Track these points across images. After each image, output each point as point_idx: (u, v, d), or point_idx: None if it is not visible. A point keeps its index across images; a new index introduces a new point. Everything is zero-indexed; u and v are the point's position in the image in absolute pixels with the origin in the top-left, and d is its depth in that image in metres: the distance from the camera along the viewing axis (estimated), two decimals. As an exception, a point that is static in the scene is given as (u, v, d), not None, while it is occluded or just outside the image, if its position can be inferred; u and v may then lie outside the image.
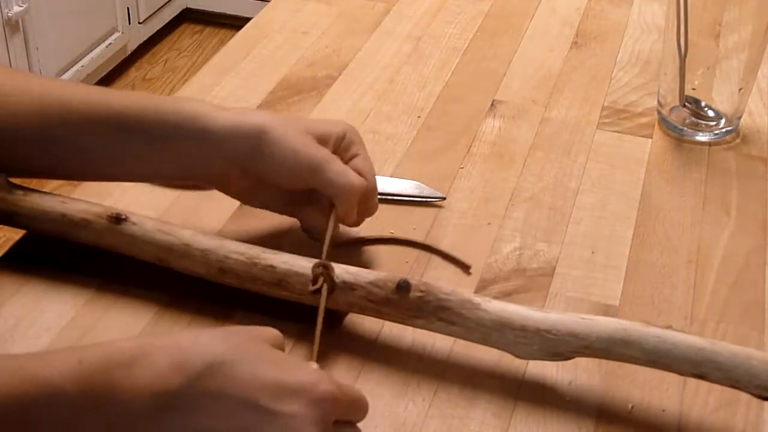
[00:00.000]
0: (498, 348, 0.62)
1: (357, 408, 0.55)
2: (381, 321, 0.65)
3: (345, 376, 0.63)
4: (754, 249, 0.76)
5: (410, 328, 0.64)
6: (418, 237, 0.75)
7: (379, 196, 0.71)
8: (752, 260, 0.74)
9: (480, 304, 0.62)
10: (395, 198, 0.78)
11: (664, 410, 0.62)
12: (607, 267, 0.73)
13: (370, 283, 0.64)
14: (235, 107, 0.73)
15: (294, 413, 0.50)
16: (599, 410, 0.62)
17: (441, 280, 0.71)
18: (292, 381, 0.51)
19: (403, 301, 0.63)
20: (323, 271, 0.63)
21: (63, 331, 0.66)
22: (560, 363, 0.63)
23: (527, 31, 1.05)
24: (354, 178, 0.68)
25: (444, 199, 0.79)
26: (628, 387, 0.63)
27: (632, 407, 0.62)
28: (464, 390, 0.63)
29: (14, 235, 0.73)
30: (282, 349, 0.56)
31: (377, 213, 0.72)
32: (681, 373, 0.59)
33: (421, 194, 0.79)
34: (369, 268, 0.65)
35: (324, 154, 0.68)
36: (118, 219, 0.68)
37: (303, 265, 0.65)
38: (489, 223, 0.77)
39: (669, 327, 0.59)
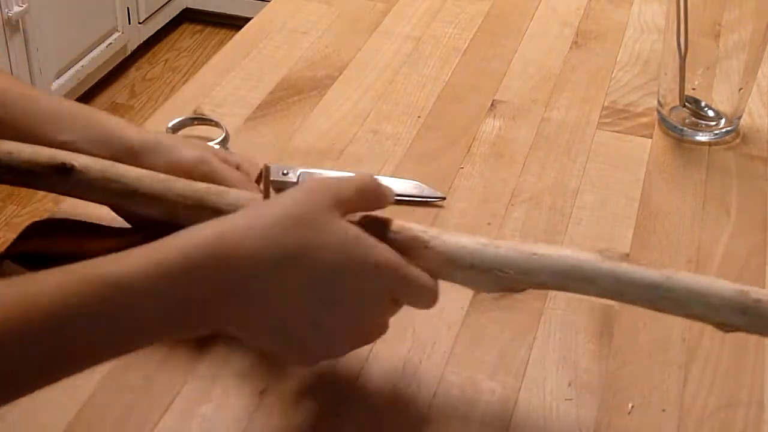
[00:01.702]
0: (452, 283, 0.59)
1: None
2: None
3: (344, 378, 0.63)
4: (754, 249, 0.76)
5: (409, 330, 0.64)
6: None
7: None
8: (752, 260, 0.74)
9: (429, 242, 0.58)
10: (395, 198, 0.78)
11: (664, 410, 0.62)
12: (607, 267, 0.73)
13: None
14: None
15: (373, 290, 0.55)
16: (599, 410, 0.62)
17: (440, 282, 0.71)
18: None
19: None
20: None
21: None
22: (561, 363, 0.63)
23: (527, 31, 1.05)
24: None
25: (444, 199, 0.79)
26: (628, 387, 0.62)
27: (632, 407, 0.62)
28: (464, 390, 0.63)
29: (14, 235, 0.73)
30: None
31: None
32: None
33: (421, 194, 0.79)
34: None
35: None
36: (64, 169, 0.67)
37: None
38: (489, 223, 0.77)
39: (626, 256, 0.56)
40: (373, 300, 0.56)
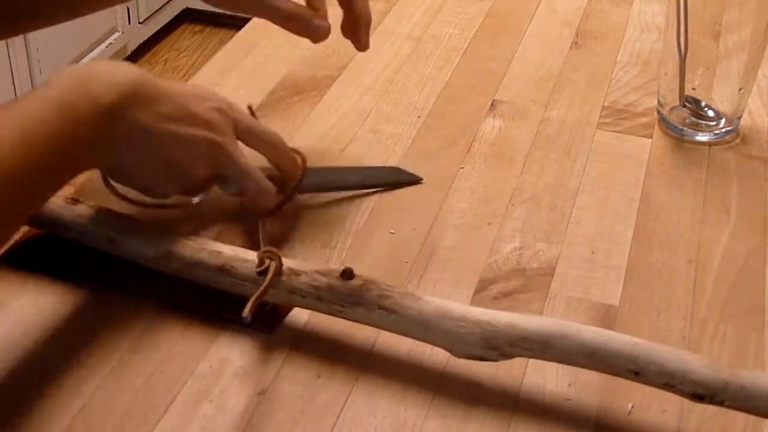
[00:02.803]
0: (435, 342, 0.62)
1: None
2: (377, 331, 0.65)
3: (343, 379, 0.63)
4: (754, 249, 0.76)
5: (407, 339, 0.64)
6: (418, 237, 0.75)
7: (354, 188, 0.79)
8: (752, 260, 0.74)
9: (421, 297, 0.63)
10: (371, 187, 0.80)
11: (664, 411, 0.62)
12: (607, 267, 0.73)
13: (315, 270, 0.64)
14: None
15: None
16: (599, 411, 0.62)
17: (440, 282, 0.71)
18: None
19: (345, 287, 0.63)
20: (270, 253, 0.65)
21: (62, 331, 0.66)
22: (560, 365, 0.63)
23: (527, 31, 1.05)
24: (280, 5, 0.76)
25: (421, 180, 0.81)
26: (629, 388, 0.62)
27: (632, 408, 0.62)
28: (464, 392, 0.63)
29: (14, 235, 0.73)
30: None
31: (373, 209, 0.72)
32: (618, 372, 0.59)
33: (397, 180, 0.81)
34: (367, 267, 0.65)
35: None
36: (75, 201, 0.71)
37: (250, 252, 0.66)
38: (489, 223, 0.77)
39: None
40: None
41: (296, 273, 0.64)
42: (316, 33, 0.76)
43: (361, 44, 0.79)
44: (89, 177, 0.75)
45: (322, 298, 0.63)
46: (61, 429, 0.59)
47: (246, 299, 0.62)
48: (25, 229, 0.73)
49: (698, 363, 0.58)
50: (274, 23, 0.76)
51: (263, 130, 0.73)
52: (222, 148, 0.68)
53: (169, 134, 0.66)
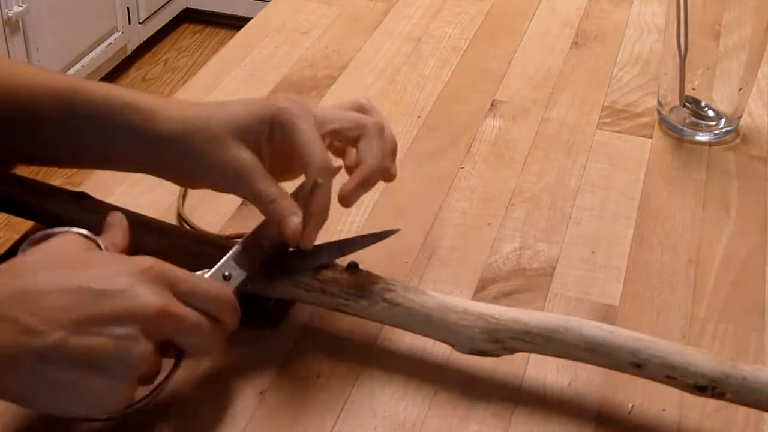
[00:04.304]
0: (438, 336, 0.62)
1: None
2: (378, 327, 0.65)
3: (343, 379, 0.63)
4: (754, 249, 0.76)
5: (407, 337, 0.64)
6: (418, 237, 0.75)
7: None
8: (752, 260, 0.74)
9: (425, 291, 0.63)
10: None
11: (664, 410, 0.62)
12: (607, 267, 0.73)
13: (321, 263, 0.64)
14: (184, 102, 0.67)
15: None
16: (599, 410, 0.62)
17: (440, 281, 0.71)
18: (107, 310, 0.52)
19: (350, 280, 0.63)
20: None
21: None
22: (561, 363, 0.63)
23: (527, 31, 1.05)
24: (262, 191, 0.62)
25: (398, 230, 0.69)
26: (629, 387, 0.62)
27: (632, 407, 0.62)
28: (464, 390, 0.63)
29: (14, 235, 0.73)
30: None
31: (374, 209, 0.71)
32: (619, 366, 0.59)
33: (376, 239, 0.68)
34: (367, 268, 0.65)
35: (242, 164, 0.62)
36: (81, 196, 0.70)
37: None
38: (489, 223, 0.77)
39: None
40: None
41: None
42: (287, 231, 0.62)
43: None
44: (90, 174, 0.75)
45: (326, 291, 0.63)
46: (61, 428, 0.59)
47: (246, 299, 0.62)
48: (29, 224, 0.73)
49: (700, 356, 0.58)
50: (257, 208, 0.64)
51: (208, 290, 0.57)
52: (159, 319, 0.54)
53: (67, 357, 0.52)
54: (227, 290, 0.59)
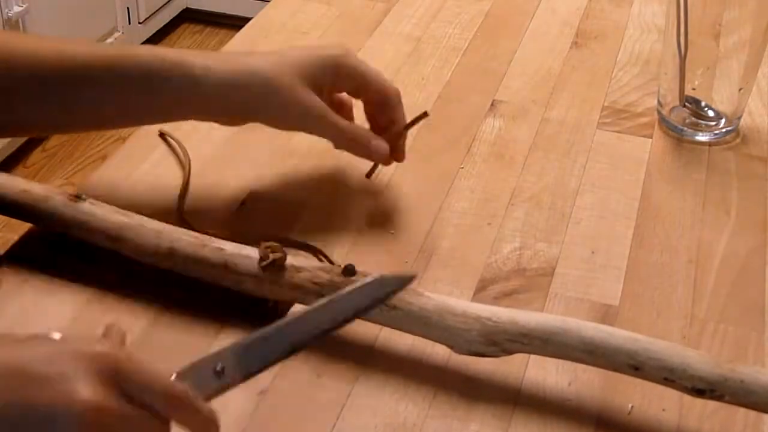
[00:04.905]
0: (436, 338, 0.62)
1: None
2: (378, 327, 0.65)
3: (343, 379, 0.63)
4: (754, 249, 0.76)
5: (407, 338, 0.64)
6: (418, 237, 0.75)
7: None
8: (752, 260, 0.74)
9: (423, 293, 0.63)
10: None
11: (664, 410, 0.62)
12: (607, 267, 0.73)
13: (317, 267, 0.64)
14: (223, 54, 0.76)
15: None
16: (599, 410, 0.62)
17: (440, 282, 0.71)
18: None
19: (347, 283, 0.62)
20: (272, 248, 0.64)
21: (62, 331, 0.65)
22: (560, 363, 0.63)
23: (527, 31, 1.05)
24: (343, 127, 0.75)
25: (414, 276, 0.58)
26: (628, 387, 0.62)
27: (632, 407, 0.62)
28: (464, 391, 0.63)
29: (14, 235, 0.73)
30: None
31: (374, 209, 0.71)
32: (618, 368, 0.59)
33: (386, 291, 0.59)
34: (367, 268, 0.65)
35: (316, 107, 0.73)
36: (77, 198, 0.70)
37: (252, 249, 0.66)
38: (489, 223, 0.77)
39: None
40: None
41: (298, 269, 0.64)
42: (376, 153, 0.76)
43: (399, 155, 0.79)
44: (90, 175, 0.75)
45: (323, 294, 0.63)
46: (61, 429, 0.59)
47: (247, 296, 0.62)
48: (28, 226, 0.73)
49: (698, 358, 0.58)
50: (337, 145, 0.76)
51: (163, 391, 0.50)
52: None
53: None
54: (186, 394, 0.50)
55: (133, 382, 0.48)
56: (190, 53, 0.71)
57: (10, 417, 0.46)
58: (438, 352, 0.65)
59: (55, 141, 2.27)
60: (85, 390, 0.46)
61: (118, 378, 0.48)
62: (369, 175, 0.80)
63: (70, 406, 0.46)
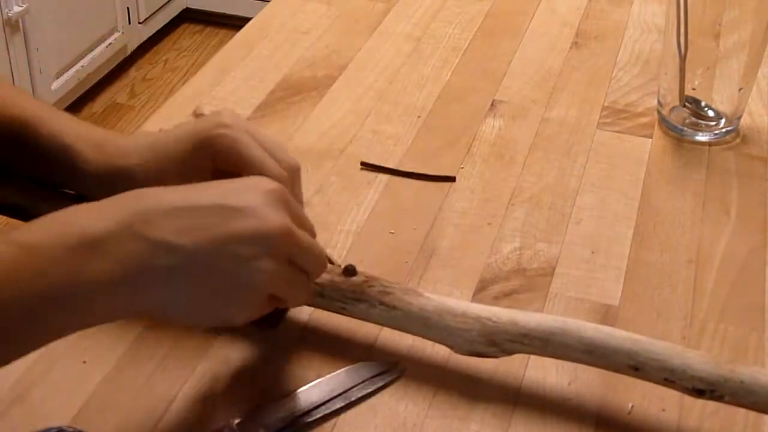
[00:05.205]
0: (436, 338, 0.62)
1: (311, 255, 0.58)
2: (378, 327, 0.65)
3: (345, 376, 0.63)
4: (754, 249, 0.76)
5: (407, 338, 0.64)
6: (418, 237, 0.75)
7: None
8: (752, 260, 0.74)
9: (423, 293, 0.63)
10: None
11: (664, 410, 0.62)
12: (607, 267, 0.73)
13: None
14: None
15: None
16: (599, 410, 0.62)
17: (440, 282, 0.71)
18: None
19: (347, 284, 0.63)
20: None
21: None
22: (560, 363, 0.63)
23: (527, 31, 1.05)
24: None
25: (404, 369, 0.64)
26: (628, 387, 0.62)
27: (632, 407, 0.62)
28: (464, 391, 0.63)
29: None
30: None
31: (374, 209, 0.71)
32: (618, 368, 0.59)
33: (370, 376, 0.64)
34: (367, 268, 0.65)
35: None
36: (77, 197, 0.68)
37: None
38: (489, 223, 0.77)
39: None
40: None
41: None
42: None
43: None
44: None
45: (324, 294, 0.63)
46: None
47: None
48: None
49: (698, 359, 0.58)
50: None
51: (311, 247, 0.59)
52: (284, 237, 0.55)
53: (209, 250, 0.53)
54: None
55: (296, 212, 0.57)
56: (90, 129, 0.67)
57: (212, 252, 0.53)
58: (438, 352, 0.65)
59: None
60: (277, 216, 0.55)
61: (287, 208, 0.56)
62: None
63: (265, 233, 0.54)
